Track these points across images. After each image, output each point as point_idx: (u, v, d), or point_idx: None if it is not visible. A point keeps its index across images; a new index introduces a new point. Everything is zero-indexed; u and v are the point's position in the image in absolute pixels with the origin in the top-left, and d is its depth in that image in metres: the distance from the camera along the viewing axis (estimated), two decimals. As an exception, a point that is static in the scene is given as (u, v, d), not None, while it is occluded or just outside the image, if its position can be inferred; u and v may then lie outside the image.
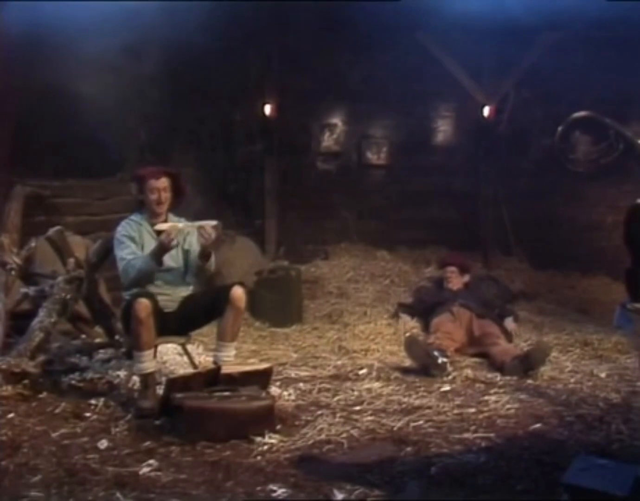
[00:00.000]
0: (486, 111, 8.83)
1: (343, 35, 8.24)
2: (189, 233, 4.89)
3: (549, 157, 9.01)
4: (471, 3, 6.98)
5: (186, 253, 4.89)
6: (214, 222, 4.77)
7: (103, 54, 6.26)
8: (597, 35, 7.91)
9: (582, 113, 8.74)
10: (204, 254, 4.76)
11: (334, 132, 9.10)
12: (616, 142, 8.72)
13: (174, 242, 4.65)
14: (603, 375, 5.41)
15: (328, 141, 9.08)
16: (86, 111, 6.33)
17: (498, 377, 5.33)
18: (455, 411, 4.61)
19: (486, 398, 4.87)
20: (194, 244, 4.87)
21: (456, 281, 6.62)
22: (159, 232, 4.69)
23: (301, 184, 8.83)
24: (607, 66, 8.07)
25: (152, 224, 4.82)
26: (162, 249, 4.62)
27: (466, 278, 6.70)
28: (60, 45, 6.00)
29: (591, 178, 8.84)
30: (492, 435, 4.21)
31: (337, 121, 9.12)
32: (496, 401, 4.78)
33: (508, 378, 5.31)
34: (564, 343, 6.30)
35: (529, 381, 5.27)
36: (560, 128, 8.88)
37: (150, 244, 4.77)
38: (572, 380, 5.29)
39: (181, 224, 4.80)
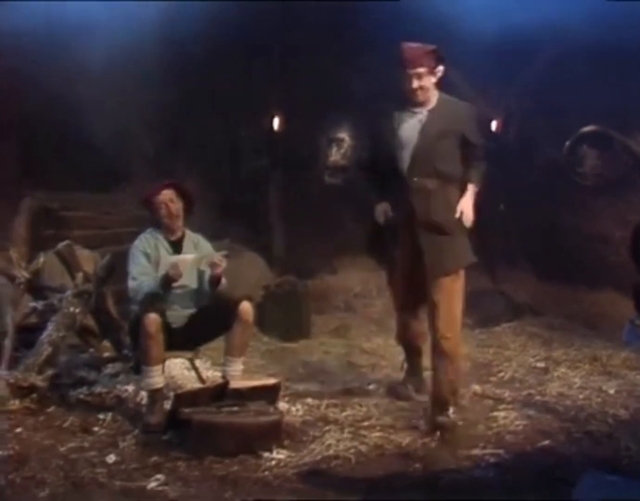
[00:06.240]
0: (493, 124, 8.84)
1: (351, 50, 8.26)
2: (206, 255, 4.90)
3: (556, 170, 8.99)
4: (475, 17, 7.00)
5: (201, 274, 4.83)
6: (224, 252, 4.84)
7: (110, 68, 6.30)
8: (602, 49, 7.92)
9: (590, 127, 8.73)
10: (214, 281, 4.79)
11: (341, 146, 9.11)
12: (624, 156, 8.70)
13: (181, 277, 4.65)
14: (612, 391, 5.37)
15: (335, 155, 9.09)
16: (94, 124, 6.37)
17: (506, 393, 5.30)
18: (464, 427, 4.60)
19: (495, 414, 4.84)
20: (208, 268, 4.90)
21: None
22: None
23: (308, 198, 8.83)
24: (613, 79, 8.07)
25: (169, 239, 4.86)
26: (169, 280, 4.63)
27: None
28: (69, 60, 6.05)
29: (599, 192, 8.82)
30: (500, 451, 4.19)
31: (344, 135, 9.13)
32: (505, 417, 4.75)
33: (516, 394, 5.30)
34: (572, 359, 6.26)
35: (538, 397, 5.25)
36: (568, 142, 8.87)
37: (167, 259, 4.76)
38: (581, 396, 5.25)
39: (190, 256, 4.78)
